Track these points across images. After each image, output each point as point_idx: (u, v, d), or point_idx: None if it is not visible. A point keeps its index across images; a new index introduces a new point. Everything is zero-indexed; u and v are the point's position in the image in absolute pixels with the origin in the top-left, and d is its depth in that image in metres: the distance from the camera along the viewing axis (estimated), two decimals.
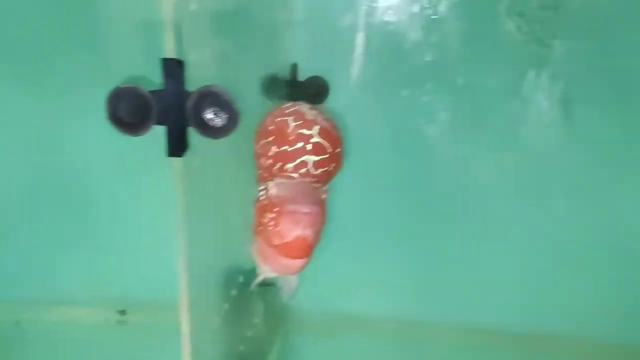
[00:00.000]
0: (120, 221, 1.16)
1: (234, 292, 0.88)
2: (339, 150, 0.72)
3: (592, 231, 1.16)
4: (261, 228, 0.69)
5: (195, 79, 0.65)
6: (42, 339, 1.25)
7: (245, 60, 1.05)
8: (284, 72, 1.18)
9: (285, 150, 0.68)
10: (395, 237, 1.24)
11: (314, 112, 0.72)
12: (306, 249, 0.66)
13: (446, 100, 1.08)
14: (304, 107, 0.73)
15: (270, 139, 0.70)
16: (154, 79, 0.64)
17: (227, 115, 0.62)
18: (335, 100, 1.10)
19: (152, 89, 0.62)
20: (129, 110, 0.63)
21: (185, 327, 0.72)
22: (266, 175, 0.71)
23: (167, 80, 0.62)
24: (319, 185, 0.72)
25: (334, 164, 0.72)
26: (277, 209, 0.66)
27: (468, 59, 1.04)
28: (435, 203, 1.18)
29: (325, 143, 0.69)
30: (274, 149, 0.69)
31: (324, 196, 0.72)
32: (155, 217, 0.93)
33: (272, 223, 0.66)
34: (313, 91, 1.19)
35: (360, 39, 1.05)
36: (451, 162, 1.11)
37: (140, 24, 0.87)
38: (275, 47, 1.17)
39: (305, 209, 0.65)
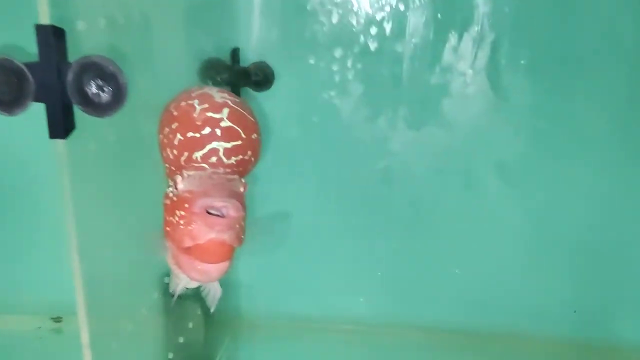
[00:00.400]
0: (45, 217, 1.06)
1: (155, 295, 0.79)
2: (255, 136, 0.63)
3: (531, 220, 1.09)
4: (170, 228, 0.60)
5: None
6: None
7: (172, 38, 0.98)
8: (226, 56, 1.11)
9: (192, 137, 0.60)
10: (335, 234, 1.17)
11: (223, 94, 0.63)
12: (224, 253, 0.58)
13: (358, 69, 1.01)
14: (212, 89, 0.64)
15: (175, 125, 0.61)
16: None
17: (113, 90, 0.54)
18: None
19: (28, 61, 0.54)
20: (2, 86, 0.55)
21: (84, 336, 0.63)
22: (174, 168, 0.62)
23: (42, 50, 0.54)
24: (235, 176, 0.63)
25: (250, 152, 0.63)
26: (187, 205, 0.58)
27: (380, 21, 0.95)
28: (363, 194, 1.11)
29: (237, 128, 0.60)
30: (179, 136, 0.60)
31: (242, 189, 0.63)
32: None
33: (182, 222, 0.58)
34: (257, 78, 1.11)
35: None
36: (369, 142, 1.02)
37: None
38: (216, 28, 1.09)
39: (219, 202, 0.56)
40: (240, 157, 0.62)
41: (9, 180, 1.07)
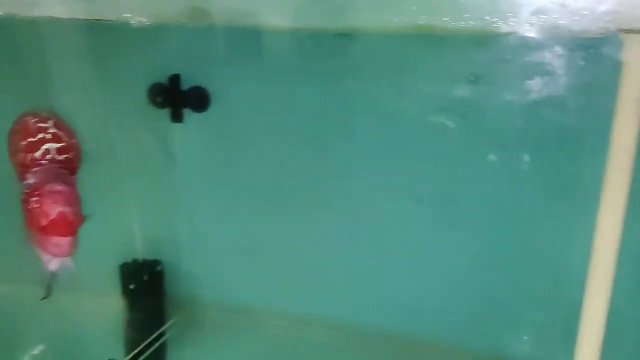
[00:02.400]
0: None
1: None
2: (74, 141, 0.85)
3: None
4: (29, 215, 0.82)
5: None
6: None
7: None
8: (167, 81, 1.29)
9: (31, 141, 0.82)
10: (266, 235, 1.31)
11: (46, 111, 0.85)
12: (68, 225, 0.79)
13: None
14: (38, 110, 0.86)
15: (18, 136, 0.84)
16: None
17: None
18: None
19: None
20: None
21: None
22: (23, 169, 0.85)
23: None
24: (66, 171, 0.85)
25: (73, 152, 0.85)
26: (37, 192, 0.81)
27: None
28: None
29: (60, 133, 0.83)
30: (22, 143, 0.83)
31: (73, 182, 0.85)
32: None
33: (37, 206, 0.80)
34: (195, 100, 1.29)
35: None
36: None
37: None
38: (162, 57, 1.28)
39: (59, 187, 0.78)
40: (67, 155, 0.84)
41: None
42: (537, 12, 0.64)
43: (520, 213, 1.09)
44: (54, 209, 0.77)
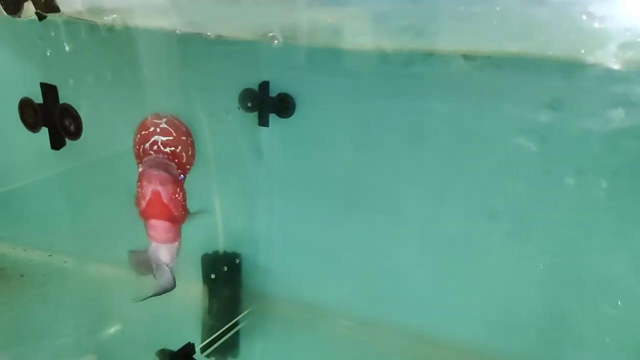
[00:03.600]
0: None
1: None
2: (184, 138, 0.94)
3: None
4: (136, 201, 0.91)
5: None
6: None
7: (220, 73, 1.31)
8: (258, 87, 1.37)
9: (144, 134, 0.91)
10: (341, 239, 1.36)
11: (166, 113, 0.93)
12: (161, 205, 0.88)
13: None
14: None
15: (137, 130, 0.94)
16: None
17: (75, 124, 0.86)
18: None
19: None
20: (29, 114, 0.91)
21: None
22: (138, 161, 0.94)
23: (44, 97, 0.88)
24: (172, 163, 0.93)
25: (180, 147, 0.93)
26: (142, 177, 0.89)
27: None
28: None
29: (170, 129, 0.92)
30: (139, 136, 0.93)
31: (177, 173, 0.93)
32: None
33: (139, 189, 0.89)
34: (281, 106, 1.37)
35: None
36: None
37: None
38: (252, 65, 1.37)
39: (156, 171, 0.87)
40: (173, 148, 0.91)
41: None
42: (623, 47, 0.66)
43: (591, 236, 1.10)
44: (149, 189, 0.86)
